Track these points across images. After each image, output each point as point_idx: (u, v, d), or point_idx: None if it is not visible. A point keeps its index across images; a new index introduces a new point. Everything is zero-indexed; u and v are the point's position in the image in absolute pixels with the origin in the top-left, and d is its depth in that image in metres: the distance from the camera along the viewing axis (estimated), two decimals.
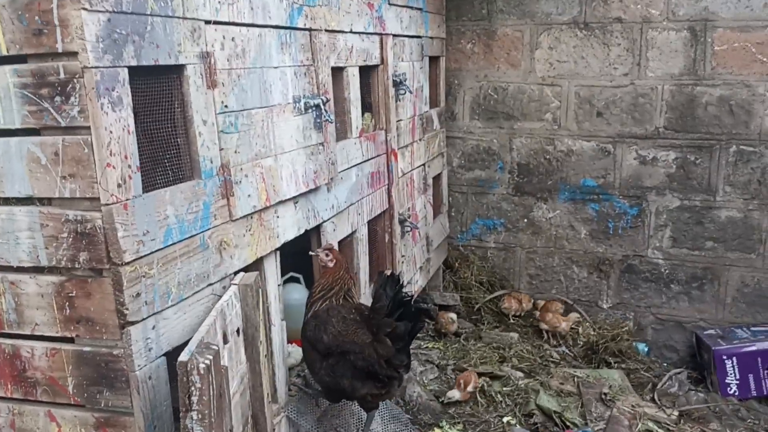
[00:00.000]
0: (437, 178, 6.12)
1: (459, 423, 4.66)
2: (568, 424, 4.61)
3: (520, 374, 5.28)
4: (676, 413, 4.91)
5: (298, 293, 3.85)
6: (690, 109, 5.83)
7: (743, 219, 5.84)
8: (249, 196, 2.82)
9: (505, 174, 6.52)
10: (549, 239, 6.48)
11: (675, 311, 6.19)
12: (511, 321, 6.21)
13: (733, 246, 5.90)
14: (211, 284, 2.60)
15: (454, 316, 5.82)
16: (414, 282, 5.31)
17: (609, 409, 4.87)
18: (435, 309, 6.13)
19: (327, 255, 3.37)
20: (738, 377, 5.33)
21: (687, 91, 5.81)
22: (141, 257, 2.20)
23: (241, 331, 2.59)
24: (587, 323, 6.20)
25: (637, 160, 6.06)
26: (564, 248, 6.45)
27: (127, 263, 2.14)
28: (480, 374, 5.16)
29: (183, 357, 1.93)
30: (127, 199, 2.13)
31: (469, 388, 4.72)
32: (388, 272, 3.28)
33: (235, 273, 2.76)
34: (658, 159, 5.99)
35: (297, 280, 3.92)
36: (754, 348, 5.33)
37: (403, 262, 4.91)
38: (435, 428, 4.56)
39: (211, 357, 1.98)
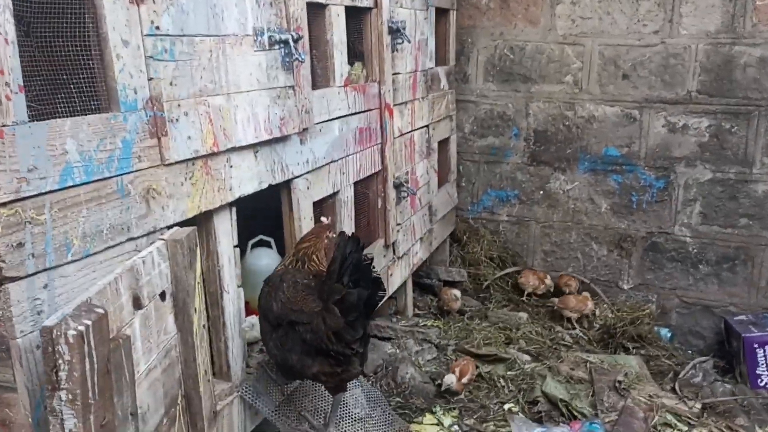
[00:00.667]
0: (444, 144, 5.64)
1: (454, 409, 4.23)
2: (575, 413, 4.15)
3: (527, 357, 4.82)
4: (698, 406, 4.40)
5: (269, 258, 3.44)
6: (727, 72, 5.24)
7: None
8: (189, 138, 2.39)
9: (521, 141, 6.00)
10: (566, 213, 5.97)
11: (703, 294, 5.65)
12: (525, 300, 5.72)
13: None
14: (133, 239, 2.18)
15: (458, 292, 5.36)
16: (413, 253, 4.86)
17: (623, 398, 4.38)
18: (439, 285, 5.68)
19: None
20: None
21: (724, 51, 5.22)
22: (24, 198, 1.78)
23: (168, 295, 2.17)
24: (605, 305, 5.69)
25: (666, 127, 5.50)
26: (582, 223, 5.93)
27: (3, 204, 1.72)
28: (482, 356, 4.71)
29: (49, 321, 1.52)
30: (3, 126, 1.71)
31: (464, 380, 4.26)
32: (349, 233, 2.83)
33: (171, 228, 2.33)
34: (689, 126, 5.42)
35: (268, 245, 3.50)
36: None
37: (398, 231, 4.46)
38: (426, 414, 4.13)
39: (89, 322, 1.56)
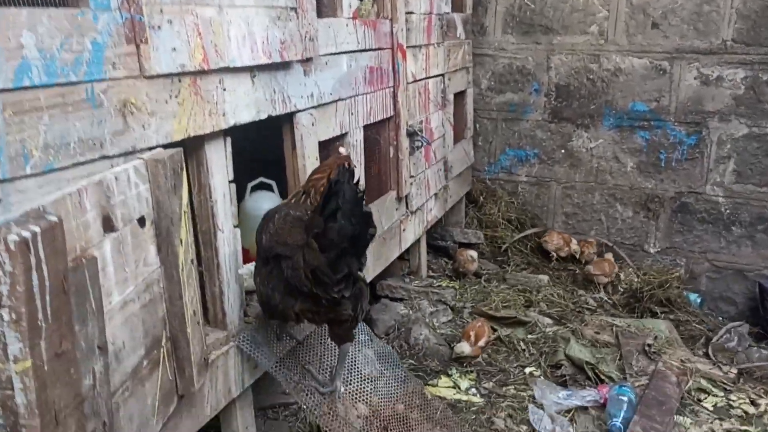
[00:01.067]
0: (460, 97, 5.32)
1: (471, 372, 3.96)
2: (602, 377, 3.86)
3: (548, 321, 4.53)
4: (734, 371, 4.10)
5: (270, 202, 3.16)
6: (765, 19, 4.86)
7: None
8: (174, 50, 2.10)
9: (541, 97, 5.67)
10: (589, 173, 5.64)
11: (735, 258, 5.32)
12: (549, 263, 5.42)
13: None
14: (108, 157, 1.90)
15: (474, 253, 5.06)
16: (427, 210, 4.56)
17: (653, 362, 4.08)
18: (454, 247, 5.38)
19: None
20: None
21: None
22: None
23: (149, 222, 1.90)
24: (630, 268, 5.38)
25: (698, 79, 5.14)
26: (606, 183, 5.60)
27: None
28: (501, 319, 4.43)
29: None
30: None
31: (481, 343, 3.98)
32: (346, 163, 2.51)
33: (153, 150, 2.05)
34: (724, 78, 5.06)
35: (270, 188, 3.22)
36: None
37: (412, 184, 4.17)
38: (441, 376, 3.87)
39: (37, 230, 1.28)
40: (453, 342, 4.14)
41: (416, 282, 4.68)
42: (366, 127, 3.55)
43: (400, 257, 4.98)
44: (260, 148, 3.15)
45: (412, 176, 4.15)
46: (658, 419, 3.41)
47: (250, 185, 3.13)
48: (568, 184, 5.72)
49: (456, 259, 5.07)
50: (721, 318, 5.17)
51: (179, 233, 2.00)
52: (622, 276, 5.26)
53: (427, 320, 4.30)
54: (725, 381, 3.98)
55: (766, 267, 5.22)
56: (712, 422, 3.54)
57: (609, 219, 5.65)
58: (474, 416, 3.52)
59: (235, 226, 2.57)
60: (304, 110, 2.89)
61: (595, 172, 5.61)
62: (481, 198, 5.81)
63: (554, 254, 5.41)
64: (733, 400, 3.78)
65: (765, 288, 4.96)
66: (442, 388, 3.76)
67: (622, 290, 5.10)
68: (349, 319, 2.49)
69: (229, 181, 2.51)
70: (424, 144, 4.16)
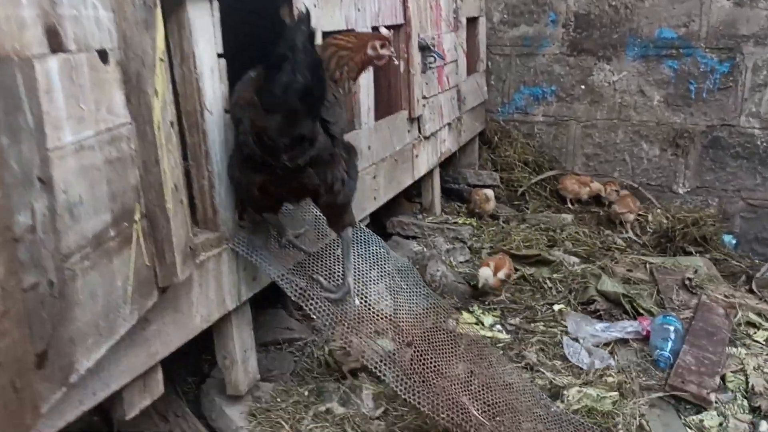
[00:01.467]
0: (472, 25, 4.91)
1: (495, 309, 3.57)
2: (641, 311, 3.47)
3: (575, 259, 4.14)
4: None
5: None
6: None
7: None
8: None
9: (559, 28, 5.25)
10: (612, 109, 5.23)
11: None
12: (568, 207, 5.03)
13: None
14: None
15: (490, 192, 4.63)
16: (440, 139, 4.17)
17: (695, 296, 3.70)
18: (468, 189, 4.98)
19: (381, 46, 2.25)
20: None
21: None
22: None
23: (113, 61, 1.50)
24: (658, 210, 4.98)
25: (731, 0, 4.72)
26: (630, 120, 5.19)
27: None
28: (523, 257, 4.04)
29: None
30: None
31: (501, 275, 3.57)
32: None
33: None
34: None
35: None
36: None
37: (425, 106, 3.77)
38: (463, 312, 3.48)
39: None
40: (473, 280, 3.75)
41: (430, 219, 4.29)
42: (375, 29, 3.14)
43: (411, 200, 4.60)
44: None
45: (425, 97, 3.75)
46: (710, 349, 3.03)
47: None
48: (589, 122, 5.32)
49: (471, 199, 4.67)
50: (758, 261, 4.76)
51: (153, 82, 1.60)
52: (650, 217, 4.86)
53: (443, 258, 3.90)
54: None
55: None
56: None
57: (634, 159, 5.25)
58: (501, 352, 3.13)
59: (226, 111, 2.17)
60: None
61: (619, 108, 5.20)
62: (496, 138, 5.41)
63: (572, 199, 5.00)
64: None
65: None
66: (464, 324, 3.37)
67: (651, 230, 4.69)
68: (318, 189, 2.08)
69: (218, 55, 2.11)
70: (437, 60, 3.76)
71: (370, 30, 3.05)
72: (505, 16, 5.36)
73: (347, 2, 2.84)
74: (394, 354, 2.34)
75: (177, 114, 1.90)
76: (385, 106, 3.42)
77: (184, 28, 1.96)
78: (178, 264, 1.71)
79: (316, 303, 2.19)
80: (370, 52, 2.23)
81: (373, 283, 2.49)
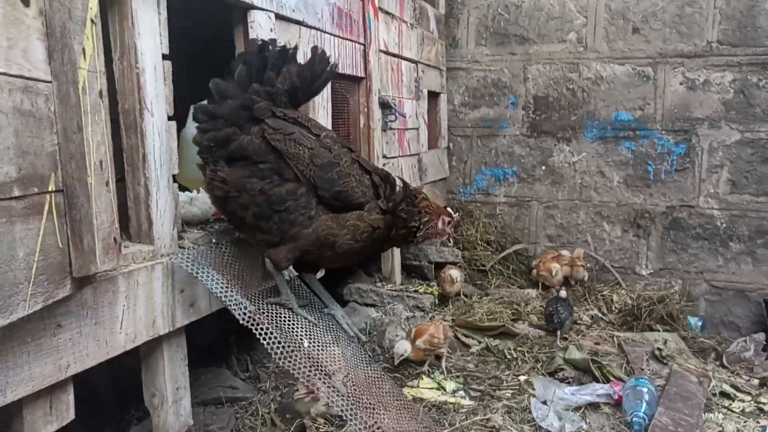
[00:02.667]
0: (434, 100, 4.94)
1: (458, 377, 3.32)
2: (611, 378, 3.26)
3: (540, 332, 3.95)
4: (756, 381, 3.55)
5: None
6: (750, 17, 4.67)
7: None
8: None
9: (519, 110, 5.33)
10: (573, 190, 5.23)
11: (735, 276, 4.87)
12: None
13: None
14: None
15: (456, 273, 4.40)
16: None
17: (666, 366, 3.52)
18: (430, 267, 4.82)
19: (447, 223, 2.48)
20: None
21: None
22: None
23: (33, 2, 1.36)
24: (623, 290, 4.87)
25: (684, 84, 4.87)
26: (591, 200, 5.18)
27: None
28: (487, 329, 3.84)
29: None
30: None
31: (420, 343, 3.19)
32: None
33: None
34: (711, 82, 4.80)
35: None
36: None
37: (385, 166, 3.67)
38: (423, 377, 3.22)
39: None
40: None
41: (389, 286, 4.09)
42: (335, 76, 3.08)
43: (370, 274, 4.42)
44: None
45: (385, 156, 3.66)
46: (686, 412, 2.82)
47: (193, 108, 2.59)
48: (550, 203, 5.29)
49: (438, 278, 4.44)
50: (727, 337, 4.63)
51: (81, 39, 1.45)
52: (615, 297, 4.74)
53: (402, 325, 3.68)
54: (749, 388, 3.43)
55: None
56: (746, 422, 2.96)
57: (596, 239, 5.19)
58: (464, 417, 2.87)
59: (170, 118, 2.02)
60: (261, 9, 2.41)
61: (579, 189, 5.20)
62: (457, 216, 5.31)
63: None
64: (764, 403, 3.21)
65: None
66: (424, 389, 3.11)
67: (617, 309, 4.55)
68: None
69: (164, 56, 1.99)
70: (399, 118, 3.71)
71: None
72: (467, 98, 5.44)
73: (306, 37, 2.78)
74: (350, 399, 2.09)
75: (114, 114, 1.75)
76: None
77: (127, 19, 1.85)
78: (97, 252, 1.49)
79: (267, 329, 1.94)
80: (440, 224, 2.41)
81: (322, 335, 2.26)
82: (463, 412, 2.92)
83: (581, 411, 2.93)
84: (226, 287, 1.94)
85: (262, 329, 1.93)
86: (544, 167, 5.29)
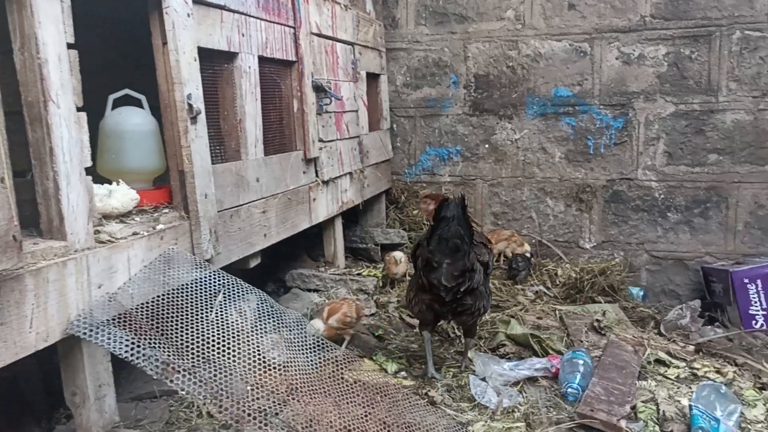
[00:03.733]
0: (374, 81, 4.92)
1: (401, 358, 3.34)
2: (550, 351, 3.32)
3: None
4: (691, 347, 3.65)
5: (140, 118, 2.55)
6: None
7: (753, 122, 4.71)
8: None
9: (460, 89, 5.34)
10: (516, 167, 5.28)
11: (674, 246, 4.99)
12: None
13: (743, 157, 4.76)
14: None
15: (400, 255, 4.43)
16: (341, 188, 4.03)
17: (604, 337, 3.60)
18: (375, 249, 4.83)
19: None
20: (764, 306, 4.11)
21: None
22: None
23: None
24: (567, 264, 4.95)
25: (620, 59, 4.93)
26: (535, 177, 5.24)
27: None
28: None
29: None
30: None
31: (333, 321, 3.19)
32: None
33: None
34: (646, 56, 4.87)
35: (139, 103, 2.62)
36: None
37: (321, 149, 3.65)
38: (365, 360, 3.23)
39: None
40: (375, 331, 3.55)
41: (332, 271, 4.08)
42: (263, 60, 3.04)
43: (316, 259, 4.41)
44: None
45: (322, 140, 3.64)
46: (620, 381, 2.88)
47: (111, 97, 2.53)
48: (495, 180, 5.33)
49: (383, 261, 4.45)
50: (666, 307, 4.74)
51: None
52: (559, 271, 4.82)
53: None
54: (685, 354, 3.52)
55: (707, 253, 4.90)
56: (679, 387, 3.04)
57: (540, 215, 5.26)
58: (404, 396, 2.88)
59: (79, 109, 1.96)
60: None
61: (522, 166, 5.25)
62: (403, 198, 5.33)
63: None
64: (697, 368, 3.30)
65: (709, 270, 4.63)
66: (366, 371, 3.11)
67: (560, 283, 4.63)
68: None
69: (69, 45, 1.93)
70: (334, 102, 3.68)
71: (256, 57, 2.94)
72: (408, 79, 5.42)
73: (229, 24, 2.73)
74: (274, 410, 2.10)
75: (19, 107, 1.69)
76: (278, 143, 3.27)
77: (25, 8, 1.78)
78: None
79: (184, 378, 1.89)
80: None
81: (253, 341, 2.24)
82: (404, 392, 2.94)
83: (519, 386, 2.98)
84: (133, 343, 1.88)
85: (178, 380, 1.87)
86: (487, 145, 5.32)
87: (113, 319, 1.93)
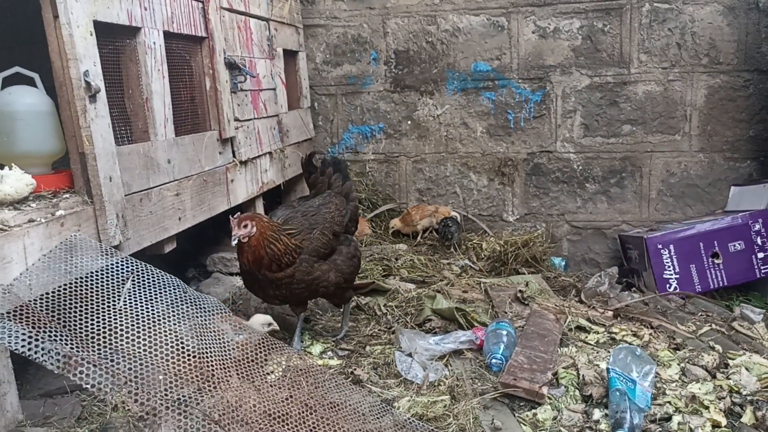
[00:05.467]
0: (292, 58, 4.81)
1: (327, 339, 3.29)
2: (475, 324, 3.35)
3: (410, 286, 4.00)
4: (610, 313, 3.75)
5: (33, 98, 2.39)
6: None
7: (663, 93, 4.85)
8: None
9: (381, 66, 5.28)
10: (439, 143, 5.28)
11: (593, 216, 5.11)
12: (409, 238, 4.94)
13: (654, 127, 4.90)
14: None
15: None
16: (261, 168, 3.93)
17: (527, 307, 3.65)
18: None
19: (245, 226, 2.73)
20: (677, 270, 4.26)
21: None
22: None
23: None
24: (491, 237, 5.01)
25: (536, 33, 4.98)
26: (458, 152, 5.26)
27: None
28: (357, 288, 3.83)
29: None
30: None
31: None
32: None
33: None
34: (561, 30, 4.94)
35: (32, 82, 2.45)
36: (693, 231, 4.28)
37: (238, 129, 3.53)
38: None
39: None
40: (291, 315, 3.48)
41: None
42: (169, 36, 2.90)
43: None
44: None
45: (237, 119, 3.52)
46: (542, 349, 2.93)
47: (0, 76, 2.35)
48: (418, 157, 5.33)
49: None
50: (587, 276, 4.87)
51: None
52: (484, 245, 4.87)
53: None
54: (604, 320, 3.62)
55: (624, 222, 5.05)
56: (598, 351, 3.11)
57: (464, 190, 5.29)
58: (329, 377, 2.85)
59: None
60: None
61: (445, 141, 5.26)
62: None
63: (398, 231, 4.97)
64: (615, 333, 3.40)
65: (625, 237, 4.76)
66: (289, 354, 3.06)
67: (485, 257, 4.68)
68: None
69: None
70: (249, 79, 3.56)
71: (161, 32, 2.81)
72: (328, 56, 5.33)
73: None
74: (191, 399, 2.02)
75: None
76: (191, 123, 3.15)
77: None
78: None
79: (87, 372, 1.78)
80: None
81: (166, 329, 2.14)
82: (330, 374, 2.90)
83: (445, 359, 2.99)
84: (30, 337, 1.76)
85: (82, 372, 1.77)
86: (410, 122, 5.30)
87: (9, 313, 1.80)
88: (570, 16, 4.90)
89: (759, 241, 4.23)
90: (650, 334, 3.40)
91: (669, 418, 2.45)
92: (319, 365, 2.95)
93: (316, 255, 2.95)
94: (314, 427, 2.15)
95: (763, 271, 4.25)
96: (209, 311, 2.56)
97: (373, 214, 5.12)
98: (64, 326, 1.90)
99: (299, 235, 2.90)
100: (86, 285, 2.08)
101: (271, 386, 2.45)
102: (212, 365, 2.27)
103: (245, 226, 2.71)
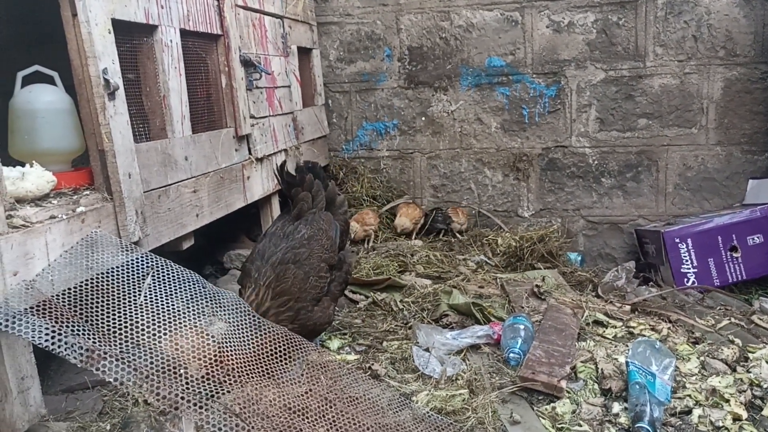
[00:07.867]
0: (306, 56, 4.82)
1: (345, 335, 3.31)
2: (492, 319, 3.34)
3: (427, 281, 4.00)
4: (627, 307, 3.73)
5: (53, 95, 2.41)
6: None
7: (679, 86, 4.82)
8: None
9: (394, 62, 5.28)
10: (453, 138, 5.27)
11: (609, 211, 5.09)
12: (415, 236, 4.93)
13: (671, 121, 4.87)
14: None
15: None
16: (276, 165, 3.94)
17: (544, 302, 3.64)
18: None
19: None
20: (695, 264, 4.23)
21: None
22: None
23: None
24: (507, 233, 4.99)
25: (551, 27, 4.97)
26: (472, 147, 5.25)
27: None
28: (374, 284, 3.85)
29: None
30: None
31: None
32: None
33: None
34: (575, 24, 4.92)
35: (51, 80, 2.48)
36: (711, 225, 4.25)
37: (254, 126, 3.55)
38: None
39: None
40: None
41: None
42: (186, 34, 2.92)
43: (252, 238, 4.32)
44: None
45: (253, 116, 3.54)
46: (559, 343, 2.92)
47: (20, 75, 2.38)
48: (433, 153, 5.32)
49: None
50: (604, 270, 4.84)
51: None
52: (499, 240, 4.85)
53: None
54: (621, 314, 3.60)
55: (640, 216, 5.02)
56: (616, 346, 3.10)
57: (479, 186, 5.28)
58: (348, 371, 2.86)
59: None
60: None
61: (459, 137, 5.25)
62: (341, 175, 5.27)
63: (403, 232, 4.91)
64: (633, 327, 3.38)
65: (642, 232, 4.74)
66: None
67: (501, 252, 4.66)
68: None
69: None
70: (264, 76, 3.58)
71: (177, 30, 2.82)
72: (342, 53, 5.34)
73: None
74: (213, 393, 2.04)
75: None
76: (207, 120, 3.17)
77: None
78: None
79: (111, 365, 1.80)
80: None
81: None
82: (347, 368, 2.91)
83: (463, 354, 2.99)
84: (54, 331, 1.78)
85: (104, 366, 1.79)
86: (423, 118, 5.30)
87: (32, 308, 1.82)
88: (584, 10, 4.88)
89: None
90: (669, 329, 3.38)
91: (689, 412, 2.44)
92: (338, 360, 2.97)
93: (312, 304, 2.83)
94: (334, 421, 2.15)
95: None
96: (228, 306, 2.58)
97: (385, 208, 5.11)
98: (86, 321, 1.92)
99: (295, 303, 2.75)
100: (107, 280, 2.10)
101: (290, 380, 2.46)
102: (233, 359, 2.29)
103: None
